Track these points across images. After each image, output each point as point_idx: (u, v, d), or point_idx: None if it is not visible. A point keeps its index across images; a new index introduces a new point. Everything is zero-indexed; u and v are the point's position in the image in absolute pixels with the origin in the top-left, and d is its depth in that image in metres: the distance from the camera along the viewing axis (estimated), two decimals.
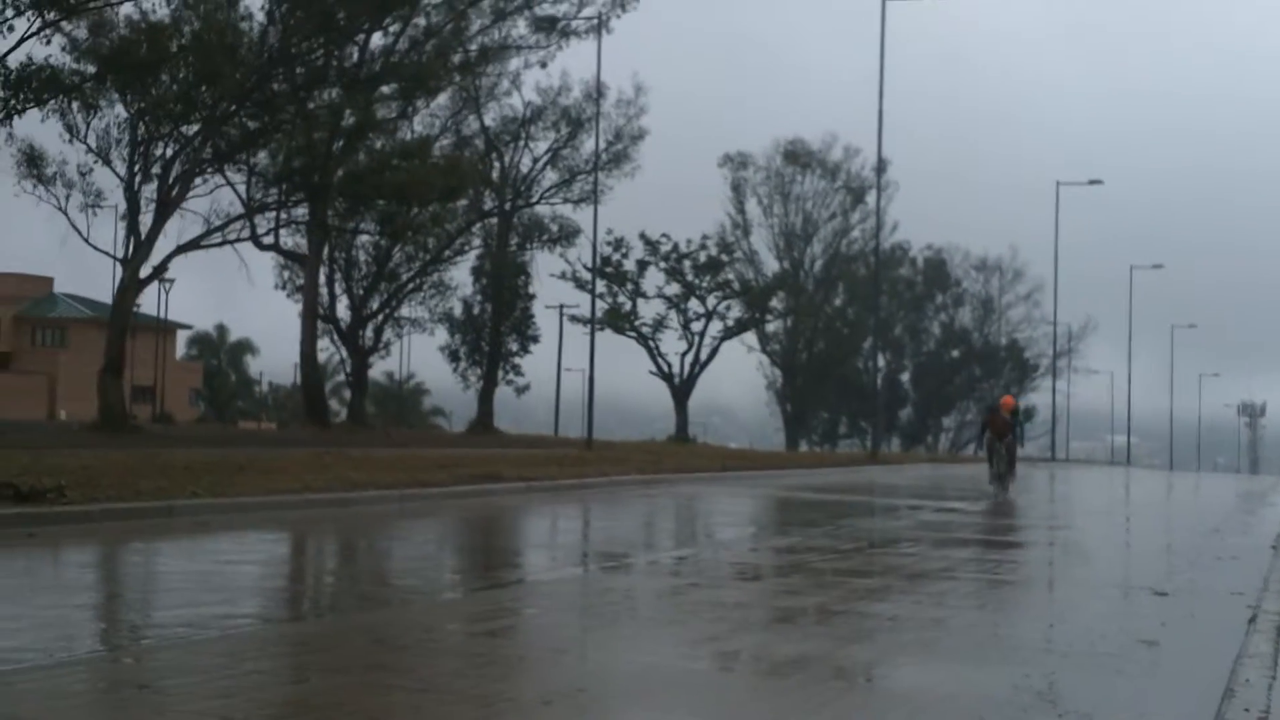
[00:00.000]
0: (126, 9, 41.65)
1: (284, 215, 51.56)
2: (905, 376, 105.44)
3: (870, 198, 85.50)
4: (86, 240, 44.05)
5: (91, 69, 41.12)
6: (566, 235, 66.06)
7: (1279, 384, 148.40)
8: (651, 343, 76.06)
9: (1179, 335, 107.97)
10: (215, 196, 47.27)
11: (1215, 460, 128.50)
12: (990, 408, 35.78)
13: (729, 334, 78.26)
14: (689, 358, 76.45)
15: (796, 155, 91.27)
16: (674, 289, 75.15)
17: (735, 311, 78.08)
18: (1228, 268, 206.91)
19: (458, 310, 68.40)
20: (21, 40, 36.20)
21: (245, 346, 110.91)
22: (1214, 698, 8.23)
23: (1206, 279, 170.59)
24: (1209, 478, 64.41)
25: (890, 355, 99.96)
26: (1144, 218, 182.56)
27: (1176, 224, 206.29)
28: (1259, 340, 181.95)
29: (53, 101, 39.79)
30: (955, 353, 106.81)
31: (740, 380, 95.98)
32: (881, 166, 61.16)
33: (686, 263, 75.10)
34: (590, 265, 61.15)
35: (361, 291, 61.08)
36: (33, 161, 42.26)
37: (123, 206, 44.08)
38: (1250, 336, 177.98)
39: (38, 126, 41.54)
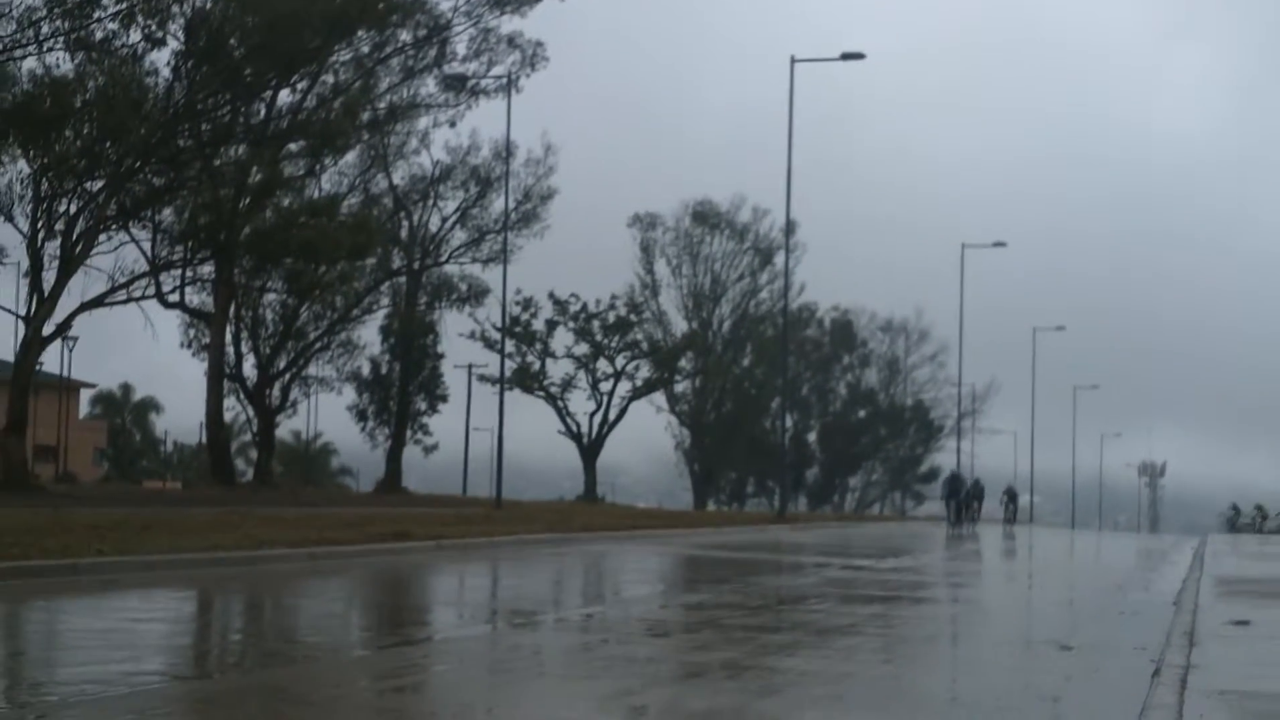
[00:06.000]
0: (30, 63, 41.34)
1: (189, 273, 51.14)
2: (812, 436, 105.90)
3: (778, 259, 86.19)
4: None
5: None
6: (475, 295, 66.04)
7: (1178, 443, 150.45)
8: (560, 402, 76.10)
9: (1081, 396, 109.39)
10: (120, 253, 46.87)
11: (1116, 519, 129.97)
12: None
13: (637, 394, 78.46)
14: (597, 418, 76.55)
15: (705, 216, 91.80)
16: (583, 349, 75.34)
17: (644, 371, 78.38)
18: (1129, 330, 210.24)
19: (365, 369, 68.11)
20: None
21: (150, 405, 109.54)
22: None
23: (1108, 341, 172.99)
24: (1110, 536, 65.14)
25: (797, 415, 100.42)
26: (1047, 281, 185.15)
27: (1078, 287, 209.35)
28: (1159, 400, 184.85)
29: None
30: (862, 413, 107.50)
31: (648, 440, 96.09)
32: (790, 228, 61.70)
33: (595, 323, 75.32)
34: (499, 325, 61.21)
35: (268, 350, 60.59)
36: None
37: (25, 263, 43.65)
38: (1151, 397, 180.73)
39: None
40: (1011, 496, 65.92)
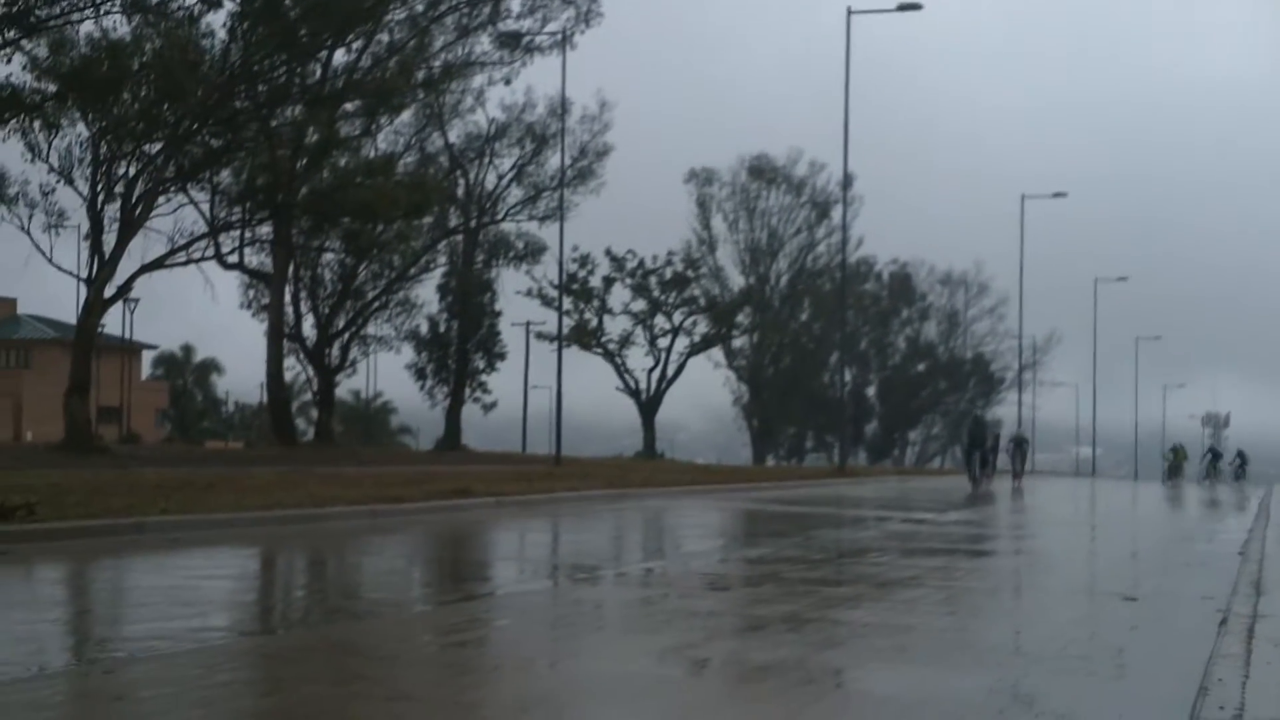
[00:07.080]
0: (87, 27, 41.58)
1: (248, 234, 51.46)
2: (871, 391, 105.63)
3: (836, 212, 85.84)
4: (50, 260, 44.02)
5: (52, 88, 41.03)
6: (532, 252, 66.21)
7: (1243, 394, 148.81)
8: (618, 359, 76.24)
9: (1144, 347, 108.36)
10: (179, 215, 47.26)
11: None
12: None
13: (695, 350, 78.53)
14: (655, 374, 76.66)
15: (762, 170, 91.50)
16: (640, 305, 75.40)
17: (701, 327, 78.42)
18: (1192, 279, 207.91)
19: (424, 328, 68.44)
20: None
21: (211, 366, 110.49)
22: (1188, 696, 8.28)
23: (1171, 290, 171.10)
24: (1173, 488, 64.67)
25: (856, 370, 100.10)
26: (1108, 231, 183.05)
27: (1140, 236, 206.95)
28: (1224, 350, 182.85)
29: (14, 121, 39.70)
30: (921, 367, 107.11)
31: (707, 396, 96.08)
32: (847, 181, 61.34)
33: (652, 279, 75.33)
34: (556, 282, 61.29)
35: (327, 310, 60.94)
36: None
37: (86, 226, 44.00)
38: (1215, 347, 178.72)
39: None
40: (1019, 444, 60.47)
